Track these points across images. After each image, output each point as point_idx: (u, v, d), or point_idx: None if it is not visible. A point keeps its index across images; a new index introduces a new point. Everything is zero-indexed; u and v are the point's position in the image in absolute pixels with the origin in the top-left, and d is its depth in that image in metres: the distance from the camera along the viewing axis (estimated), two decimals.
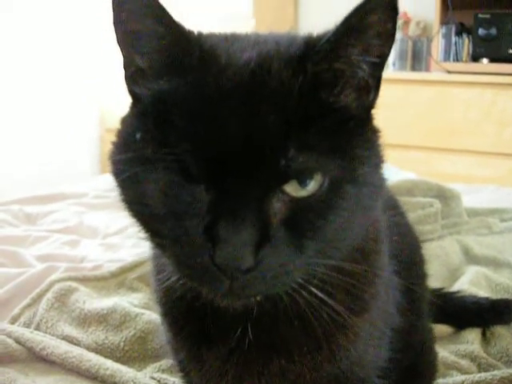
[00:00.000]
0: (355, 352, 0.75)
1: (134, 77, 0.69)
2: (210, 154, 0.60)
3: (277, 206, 0.61)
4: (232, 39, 0.69)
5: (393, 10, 0.62)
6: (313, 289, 0.65)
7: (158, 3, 0.64)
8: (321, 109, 0.63)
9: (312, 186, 0.61)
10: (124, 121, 0.70)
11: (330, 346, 0.73)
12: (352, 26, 0.62)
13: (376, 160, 0.68)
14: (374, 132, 0.70)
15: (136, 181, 0.65)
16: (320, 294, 0.66)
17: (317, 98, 0.63)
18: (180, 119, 0.61)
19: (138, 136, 0.65)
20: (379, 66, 0.67)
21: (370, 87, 0.67)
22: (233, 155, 0.59)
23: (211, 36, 0.70)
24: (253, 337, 0.71)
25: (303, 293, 0.65)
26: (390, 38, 0.65)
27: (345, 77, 0.65)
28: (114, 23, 0.66)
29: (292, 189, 0.61)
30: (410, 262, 0.98)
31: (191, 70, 0.63)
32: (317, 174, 0.61)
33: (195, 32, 0.69)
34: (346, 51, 0.63)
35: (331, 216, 0.62)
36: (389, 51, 0.66)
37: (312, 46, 0.64)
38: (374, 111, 0.72)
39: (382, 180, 0.70)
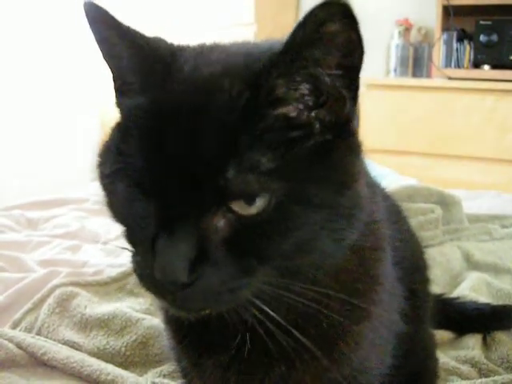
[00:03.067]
0: (357, 359, 0.75)
1: (118, 90, 0.72)
2: (155, 169, 0.61)
3: (219, 224, 0.60)
4: (207, 52, 0.70)
5: (347, 17, 0.58)
6: (271, 312, 0.63)
7: (120, 24, 0.67)
8: (274, 127, 0.61)
9: (257, 205, 0.59)
10: (110, 132, 0.72)
11: (332, 354, 0.73)
12: (301, 38, 0.59)
13: (343, 178, 0.64)
14: (350, 148, 0.67)
15: (108, 191, 0.68)
16: (282, 321, 0.64)
17: (269, 116, 0.61)
18: (135, 134, 0.63)
19: (112, 147, 0.68)
20: (349, 78, 0.63)
21: (342, 101, 0.64)
22: (174, 172, 0.60)
23: (188, 49, 0.71)
24: (253, 344, 0.70)
25: (258, 315, 0.64)
26: (354, 48, 0.61)
27: (305, 92, 0.62)
28: (95, 41, 0.70)
29: (239, 207, 0.60)
30: (413, 267, 0.98)
31: (154, 86, 0.65)
32: (261, 194, 0.59)
33: (175, 45, 0.71)
34: (303, 65, 0.60)
35: (277, 237, 0.60)
36: (358, 61, 0.62)
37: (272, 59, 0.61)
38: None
39: (351, 199, 0.64)
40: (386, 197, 0.97)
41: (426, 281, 1.07)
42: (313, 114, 0.63)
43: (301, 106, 0.62)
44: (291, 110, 0.62)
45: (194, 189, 0.59)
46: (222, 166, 0.58)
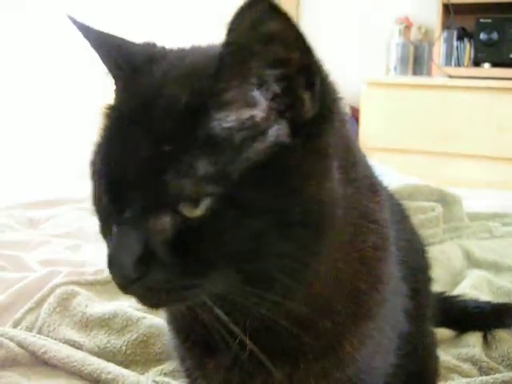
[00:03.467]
0: (362, 359, 0.74)
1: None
2: (109, 170, 0.63)
3: (165, 225, 0.60)
4: (185, 55, 0.69)
5: (277, 14, 0.55)
6: (221, 315, 0.64)
7: (95, 33, 0.71)
8: (218, 131, 0.59)
9: (200, 208, 0.59)
10: None
11: (337, 354, 0.72)
12: (235, 41, 0.57)
13: (297, 184, 0.61)
14: (312, 151, 0.63)
15: (91, 187, 0.70)
16: (230, 326, 0.64)
17: (214, 120, 0.60)
18: (101, 136, 0.66)
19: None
20: (303, 76, 0.60)
21: (299, 102, 0.61)
22: (123, 174, 0.61)
23: (172, 53, 0.71)
24: (256, 345, 0.69)
25: (208, 316, 0.65)
26: (295, 45, 0.57)
27: (253, 95, 0.60)
28: None
29: (183, 209, 0.60)
30: (417, 267, 0.97)
31: (122, 91, 0.68)
32: (201, 198, 0.59)
33: (162, 48, 0.73)
34: (245, 67, 0.58)
35: (219, 241, 0.60)
36: (306, 58, 0.59)
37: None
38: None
39: (306, 205, 0.61)
40: (389, 196, 0.96)
41: (428, 280, 1.07)
42: (265, 115, 0.61)
43: (250, 109, 0.60)
44: (239, 113, 0.60)
45: (139, 190, 0.60)
46: (160, 170, 0.59)
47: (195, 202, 0.58)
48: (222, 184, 0.58)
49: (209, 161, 0.58)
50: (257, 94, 0.60)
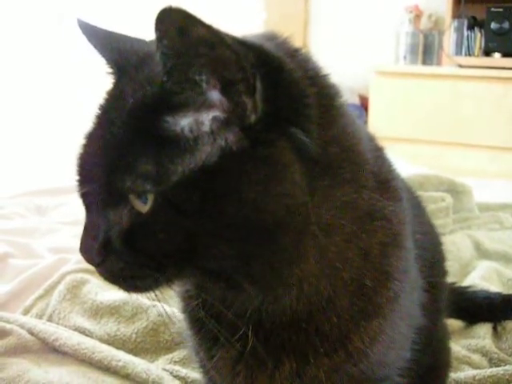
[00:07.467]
0: (374, 354, 0.74)
1: None
2: (79, 163, 0.68)
3: (122, 218, 0.64)
4: None
5: (190, 19, 0.54)
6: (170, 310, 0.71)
7: (100, 32, 0.74)
8: (162, 133, 0.61)
9: (148, 205, 0.61)
10: None
11: (347, 349, 0.72)
12: (168, 49, 0.57)
13: (235, 190, 0.61)
14: (256, 158, 0.61)
15: None
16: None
17: (162, 122, 0.61)
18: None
19: None
20: (243, 82, 0.59)
21: (241, 108, 0.60)
22: (87, 169, 0.66)
23: None
24: (263, 339, 0.70)
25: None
26: (221, 47, 0.56)
27: (198, 100, 0.60)
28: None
29: (136, 204, 0.62)
30: (433, 260, 0.96)
31: (108, 93, 0.70)
32: (147, 195, 0.61)
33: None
34: (188, 72, 0.58)
35: (161, 238, 0.62)
36: (239, 63, 0.57)
37: None
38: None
39: (241, 210, 0.61)
40: (407, 189, 0.95)
41: (443, 273, 1.07)
42: (214, 120, 0.61)
43: (199, 113, 0.60)
44: (188, 117, 0.60)
45: (97, 185, 0.64)
46: (110, 168, 0.62)
47: (142, 199, 0.61)
48: (161, 183, 0.60)
49: (150, 160, 0.60)
50: (205, 98, 0.60)
